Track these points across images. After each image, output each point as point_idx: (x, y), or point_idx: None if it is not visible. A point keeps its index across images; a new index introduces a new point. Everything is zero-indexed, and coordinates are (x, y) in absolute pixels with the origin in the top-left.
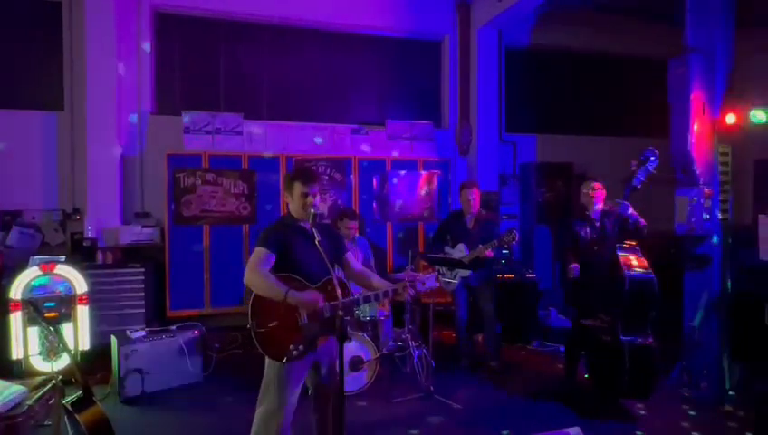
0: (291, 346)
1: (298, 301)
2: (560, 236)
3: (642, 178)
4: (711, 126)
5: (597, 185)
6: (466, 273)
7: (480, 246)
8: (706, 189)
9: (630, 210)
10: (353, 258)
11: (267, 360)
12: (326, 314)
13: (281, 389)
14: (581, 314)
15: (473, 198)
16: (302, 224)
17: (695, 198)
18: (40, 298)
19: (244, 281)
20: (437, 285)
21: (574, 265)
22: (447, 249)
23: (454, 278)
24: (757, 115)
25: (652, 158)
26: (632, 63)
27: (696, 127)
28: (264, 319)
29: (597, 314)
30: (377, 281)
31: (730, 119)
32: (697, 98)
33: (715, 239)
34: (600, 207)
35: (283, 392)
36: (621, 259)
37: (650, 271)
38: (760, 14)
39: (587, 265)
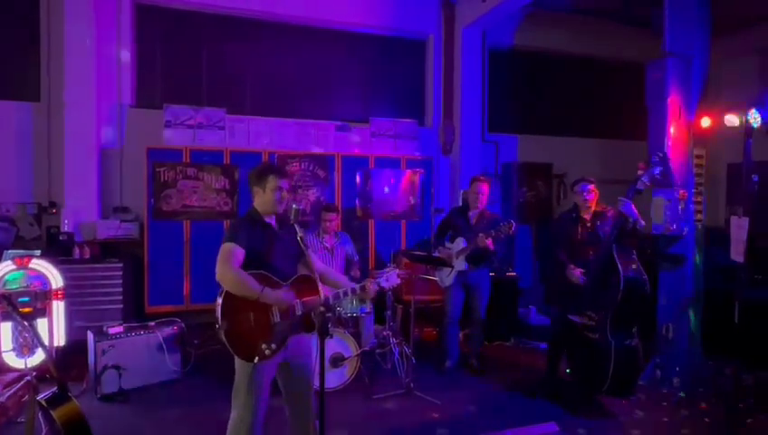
0: (263, 345)
1: (274, 299)
2: (547, 234)
3: (647, 182)
4: (687, 129)
5: (591, 187)
6: (463, 265)
7: (479, 235)
8: (682, 191)
9: (633, 209)
10: (315, 257)
11: (237, 362)
12: (298, 312)
13: (251, 391)
14: (568, 310)
15: (482, 192)
16: (267, 220)
17: (670, 200)
18: (14, 293)
19: (217, 278)
20: (399, 281)
21: (578, 272)
22: (448, 244)
23: (449, 275)
24: (731, 119)
25: (658, 163)
26: (612, 66)
27: (672, 130)
28: (236, 319)
29: (584, 311)
30: (341, 280)
31: (705, 122)
32: (674, 101)
33: (689, 240)
34: (592, 208)
35: (255, 395)
36: (618, 259)
37: (644, 273)
38: (735, 21)
39: (576, 264)
